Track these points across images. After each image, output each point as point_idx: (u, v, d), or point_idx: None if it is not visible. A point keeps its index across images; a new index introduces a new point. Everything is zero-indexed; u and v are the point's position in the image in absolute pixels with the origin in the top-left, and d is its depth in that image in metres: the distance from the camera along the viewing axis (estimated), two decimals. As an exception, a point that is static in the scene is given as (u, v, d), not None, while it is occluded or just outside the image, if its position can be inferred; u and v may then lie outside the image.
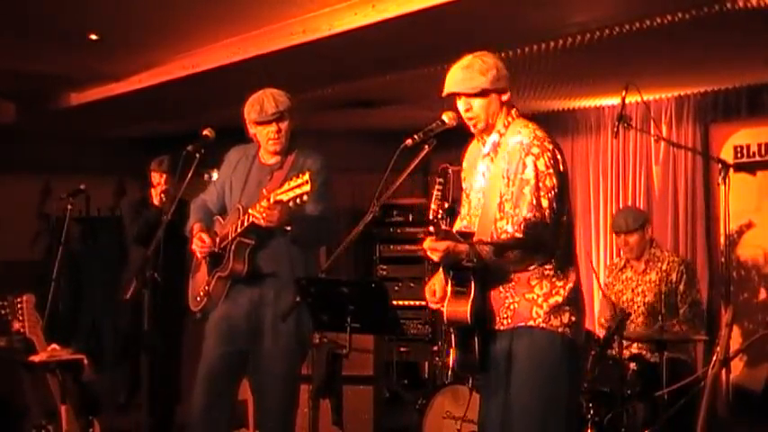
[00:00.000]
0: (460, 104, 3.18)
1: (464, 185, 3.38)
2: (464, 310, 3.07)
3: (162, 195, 5.56)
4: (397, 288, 7.52)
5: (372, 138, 7.64)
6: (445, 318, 3.14)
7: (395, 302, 6.84)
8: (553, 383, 3.08)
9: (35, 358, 4.11)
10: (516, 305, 3.10)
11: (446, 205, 3.02)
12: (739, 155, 6.12)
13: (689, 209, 6.38)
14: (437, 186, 3.04)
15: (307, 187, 3.45)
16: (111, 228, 6.72)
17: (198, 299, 3.98)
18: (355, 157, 8.01)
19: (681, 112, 6.47)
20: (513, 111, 3.21)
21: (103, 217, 7.80)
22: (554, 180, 3.06)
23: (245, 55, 5.01)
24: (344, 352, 3.89)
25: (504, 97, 3.18)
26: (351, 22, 4.35)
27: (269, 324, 3.83)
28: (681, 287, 4.98)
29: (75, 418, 4.11)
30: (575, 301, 3.14)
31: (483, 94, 3.13)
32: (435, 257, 3.04)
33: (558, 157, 3.10)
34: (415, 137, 3.25)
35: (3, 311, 4.14)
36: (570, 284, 3.12)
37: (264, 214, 3.59)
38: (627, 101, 4.60)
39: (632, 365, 4.72)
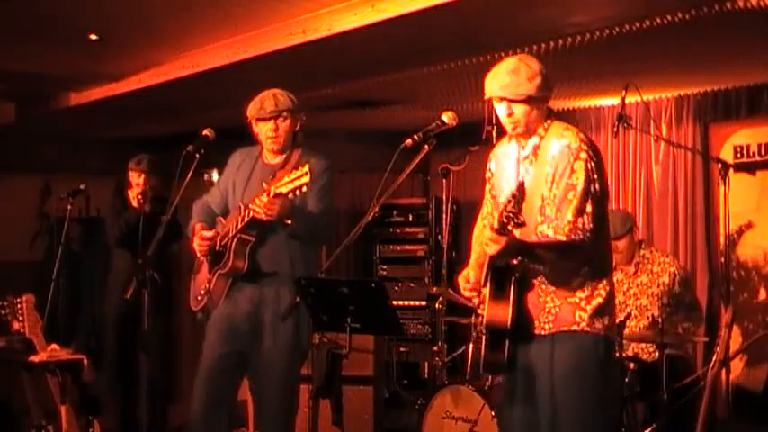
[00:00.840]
0: (501, 107, 3.12)
1: (491, 187, 3.33)
2: (504, 314, 3.04)
3: (139, 197, 5.47)
4: (396, 288, 7.53)
5: (372, 138, 7.63)
6: (485, 321, 3.08)
7: (395, 302, 6.83)
8: (601, 385, 3.08)
9: (35, 358, 4.11)
10: (558, 309, 3.08)
11: (521, 219, 2.86)
12: (739, 155, 6.11)
13: (689, 209, 6.37)
14: (512, 199, 2.86)
15: (306, 179, 3.45)
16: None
17: (198, 298, 3.99)
18: (355, 157, 8.01)
19: (680, 112, 6.46)
20: (551, 114, 3.19)
21: (103, 217, 7.78)
22: (598, 185, 3.05)
23: (245, 55, 5.01)
24: (344, 352, 3.89)
25: (546, 103, 3.15)
26: (350, 22, 4.34)
27: (269, 324, 3.83)
28: (677, 288, 4.95)
29: (74, 418, 4.11)
30: (612, 302, 3.15)
31: (527, 101, 3.08)
32: (493, 249, 2.92)
33: (601, 163, 3.10)
34: (415, 137, 3.26)
35: (3, 311, 4.14)
36: (608, 286, 3.12)
37: (265, 208, 3.60)
38: (627, 101, 4.60)
39: (632, 365, 4.71)
